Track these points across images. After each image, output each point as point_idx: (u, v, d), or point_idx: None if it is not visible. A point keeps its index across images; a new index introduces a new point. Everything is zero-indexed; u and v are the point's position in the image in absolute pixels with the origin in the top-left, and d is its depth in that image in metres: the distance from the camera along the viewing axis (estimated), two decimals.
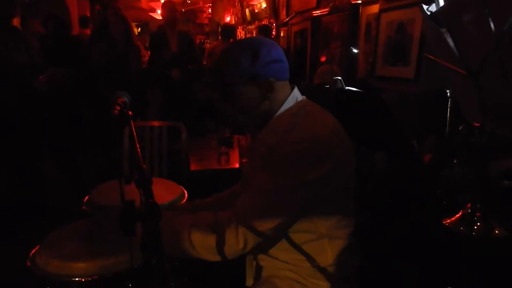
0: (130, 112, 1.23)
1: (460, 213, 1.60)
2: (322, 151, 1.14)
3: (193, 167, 2.48)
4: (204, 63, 5.39)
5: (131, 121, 1.18)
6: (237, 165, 2.50)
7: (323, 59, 4.63)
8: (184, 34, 4.38)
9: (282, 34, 6.01)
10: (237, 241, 1.09)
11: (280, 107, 1.26)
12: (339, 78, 1.67)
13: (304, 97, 1.33)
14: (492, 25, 0.90)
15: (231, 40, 5.41)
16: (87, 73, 3.76)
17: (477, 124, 1.22)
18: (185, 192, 1.92)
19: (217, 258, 1.12)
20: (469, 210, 1.55)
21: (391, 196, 1.78)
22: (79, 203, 1.73)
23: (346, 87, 1.66)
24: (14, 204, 2.96)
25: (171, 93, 3.81)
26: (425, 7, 1.14)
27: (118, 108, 1.20)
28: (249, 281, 1.44)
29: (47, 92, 3.33)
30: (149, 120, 3.09)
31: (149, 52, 5.37)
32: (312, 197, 1.15)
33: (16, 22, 5.76)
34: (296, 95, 1.29)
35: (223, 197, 1.57)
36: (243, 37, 7.81)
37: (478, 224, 1.55)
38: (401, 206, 1.74)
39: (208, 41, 8.93)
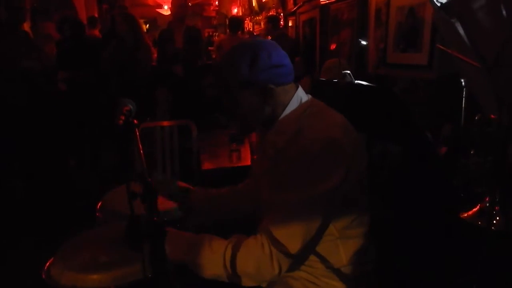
0: (135, 121, 1.22)
1: (478, 206, 1.55)
2: (336, 153, 1.11)
3: (204, 166, 2.48)
4: (214, 56, 5.37)
5: (136, 130, 1.16)
6: (249, 163, 2.49)
7: (333, 47, 4.54)
8: (191, 30, 4.36)
9: (290, 24, 5.93)
10: (272, 265, 1.08)
11: (284, 110, 1.23)
12: (348, 72, 1.62)
13: (309, 96, 1.29)
14: (505, 13, 0.85)
15: (239, 32, 5.37)
16: (101, 75, 3.79)
17: (493, 117, 1.17)
18: None
19: (254, 283, 1.12)
20: (487, 204, 1.50)
21: (406, 189, 1.74)
22: (94, 206, 1.75)
23: (356, 81, 1.62)
24: (30, 207, 3.02)
25: (178, 91, 3.81)
26: None
27: (123, 118, 1.18)
28: None
29: (64, 94, 3.38)
30: (159, 119, 3.10)
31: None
32: (336, 203, 1.14)
33: (26, 26, 5.84)
34: (300, 95, 1.26)
35: (238, 190, 1.56)
36: (251, 30, 7.74)
37: (497, 218, 1.50)
38: (417, 199, 1.70)
39: (217, 34, 8.88)
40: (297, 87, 1.27)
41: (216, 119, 3.44)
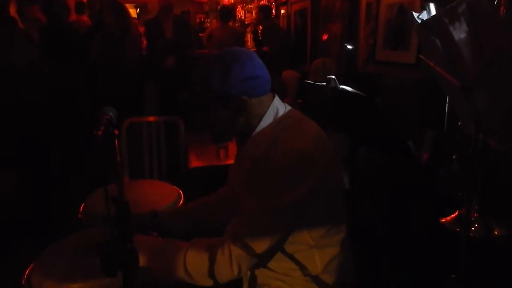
0: (116, 131, 1.20)
1: (457, 213, 1.58)
2: (304, 166, 1.12)
3: (191, 164, 2.47)
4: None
5: (116, 142, 1.15)
6: None
7: (324, 37, 4.51)
8: (180, 19, 4.28)
9: (282, 12, 5.86)
10: (231, 267, 1.10)
11: (259, 121, 1.23)
12: (333, 77, 1.62)
13: (285, 106, 1.29)
14: (482, 45, 0.85)
15: (230, 22, 5.30)
16: (88, 67, 3.73)
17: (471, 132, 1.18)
18: (181, 194, 1.92)
19: (211, 283, 1.13)
20: (465, 211, 1.53)
21: (388, 194, 1.76)
22: (79, 207, 1.74)
23: (341, 86, 1.62)
24: (19, 205, 3.00)
25: (167, 85, 3.76)
26: (415, 14, 1.09)
27: (103, 128, 1.17)
28: (245, 286, 1.46)
29: (49, 90, 3.32)
30: (148, 114, 3.07)
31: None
32: (300, 214, 1.15)
33: (12, 10, 5.69)
34: (277, 105, 1.25)
35: (209, 202, 1.57)
36: (242, 18, 7.64)
37: (476, 225, 1.54)
38: (398, 204, 1.73)
39: (208, 20, 8.75)
40: (274, 97, 1.26)
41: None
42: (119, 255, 0.74)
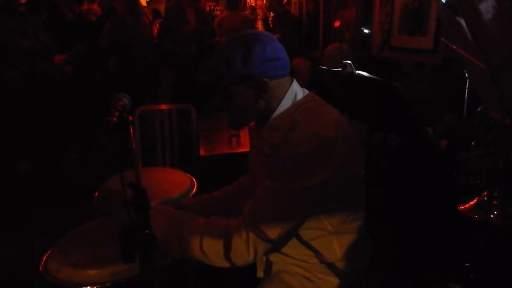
0: (130, 118, 1.19)
1: (475, 200, 1.54)
2: (325, 151, 1.10)
3: (203, 152, 2.46)
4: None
5: (131, 128, 1.14)
6: (248, 149, 2.47)
7: (337, 24, 4.44)
8: (200, 9, 4.27)
9: (294, 0, 5.77)
10: (248, 250, 1.09)
11: (278, 104, 1.21)
12: (349, 62, 1.58)
13: (304, 90, 1.26)
14: None
15: (240, 8, 5.23)
16: (99, 52, 3.73)
17: (496, 116, 1.14)
18: (195, 182, 1.91)
19: (228, 265, 1.12)
20: (485, 198, 1.49)
21: (405, 181, 1.73)
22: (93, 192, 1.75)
23: (357, 71, 1.58)
24: (34, 191, 3.04)
25: (184, 71, 3.75)
26: None
27: (117, 114, 1.15)
28: (260, 273, 1.46)
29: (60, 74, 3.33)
30: (161, 101, 3.06)
31: (157, 25, 5.25)
32: (319, 199, 1.13)
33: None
34: (295, 89, 1.23)
35: (232, 191, 1.56)
36: (253, 5, 7.54)
37: (495, 212, 1.50)
38: (415, 192, 1.70)
39: (218, 8, 8.67)
40: (292, 81, 1.25)
41: (217, 102, 3.38)
42: (138, 241, 0.73)
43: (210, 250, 1.11)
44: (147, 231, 0.75)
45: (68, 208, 2.71)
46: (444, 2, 1.01)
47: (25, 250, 2.01)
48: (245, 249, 1.09)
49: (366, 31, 2.87)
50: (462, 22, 1.01)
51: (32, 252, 1.40)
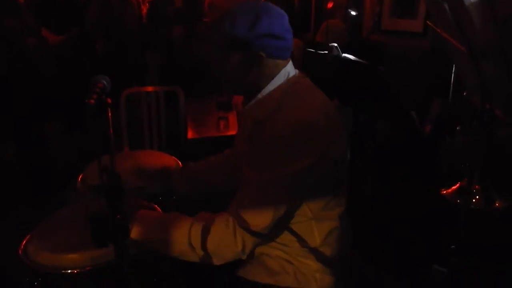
0: (109, 100, 1.16)
1: (458, 184, 1.56)
2: (308, 136, 1.09)
3: (190, 135, 2.44)
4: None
5: (109, 110, 1.11)
6: (235, 132, 2.45)
7: (330, 5, 4.38)
8: None
9: None
10: (235, 243, 1.08)
11: (268, 83, 1.19)
12: (335, 45, 1.56)
13: (296, 71, 1.24)
14: (494, 8, 0.79)
15: None
16: (85, 35, 3.65)
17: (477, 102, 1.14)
18: (180, 164, 1.90)
19: (217, 260, 1.12)
20: (467, 183, 1.50)
21: (389, 165, 1.74)
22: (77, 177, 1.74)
23: (343, 54, 1.56)
24: (18, 175, 3.00)
25: (170, 54, 3.68)
26: None
27: (95, 96, 1.13)
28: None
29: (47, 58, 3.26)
30: (148, 84, 3.02)
31: (147, 5, 5.13)
32: (305, 185, 1.12)
33: None
34: (289, 69, 1.21)
35: (219, 161, 1.57)
36: None
37: (477, 197, 1.52)
38: (399, 175, 1.70)
39: None
40: (288, 61, 1.22)
41: (205, 85, 3.35)
42: (109, 226, 0.73)
43: (198, 244, 1.09)
44: (118, 216, 0.74)
45: (52, 192, 2.69)
46: None
47: (3, 234, 1.99)
48: (232, 242, 1.08)
49: (353, 13, 2.83)
50: (446, 6, 1.00)
51: (14, 238, 1.38)
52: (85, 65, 3.86)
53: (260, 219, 1.08)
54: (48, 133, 3.41)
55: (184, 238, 1.10)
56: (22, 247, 1.22)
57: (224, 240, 1.09)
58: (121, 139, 2.55)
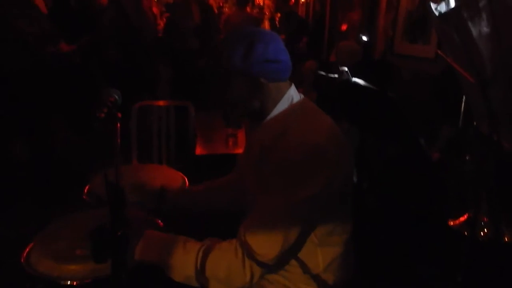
0: (119, 114, 1.18)
1: (466, 215, 1.53)
2: (317, 161, 1.08)
3: (198, 151, 2.44)
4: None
5: (118, 125, 1.13)
6: None
7: (344, 27, 4.42)
8: (206, 5, 4.25)
9: (302, 1, 5.75)
10: (244, 274, 1.07)
11: (274, 107, 1.19)
12: (346, 69, 1.57)
13: (301, 96, 1.25)
14: (501, 38, 0.80)
15: (248, 7, 5.22)
16: (97, 42, 3.72)
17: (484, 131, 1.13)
18: (186, 180, 1.90)
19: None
20: (475, 214, 1.48)
21: (396, 191, 1.72)
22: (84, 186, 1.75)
23: (353, 79, 1.57)
24: (28, 174, 3.03)
25: (183, 68, 3.74)
26: (433, 6, 1.03)
27: (106, 110, 1.15)
28: None
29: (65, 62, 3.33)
30: (160, 96, 3.06)
31: (164, 20, 5.25)
32: (315, 211, 1.11)
33: None
34: (292, 94, 1.21)
35: (216, 185, 1.54)
36: (261, 4, 7.52)
37: (485, 229, 1.49)
38: (406, 203, 1.68)
39: (227, 5, 8.65)
40: (290, 85, 1.23)
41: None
42: (109, 243, 0.73)
43: (205, 271, 1.08)
44: (119, 232, 0.74)
45: (61, 199, 2.71)
46: (437, 15, 1.00)
47: (8, 239, 1.99)
48: (241, 271, 1.06)
49: (364, 38, 2.85)
50: (455, 35, 1.00)
51: (18, 242, 1.39)
52: (94, 73, 3.94)
53: (268, 249, 1.07)
54: (57, 136, 3.46)
55: (191, 265, 1.09)
56: (24, 254, 1.23)
57: (232, 269, 1.07)
58: (130, 151, 2.57)
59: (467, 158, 1.68)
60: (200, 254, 1.10)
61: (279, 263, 1.14)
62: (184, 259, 1.10)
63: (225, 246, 1.11)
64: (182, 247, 1.12)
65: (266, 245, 1.07)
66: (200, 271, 1.08)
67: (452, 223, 1.53)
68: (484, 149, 1.59)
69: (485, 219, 1.47)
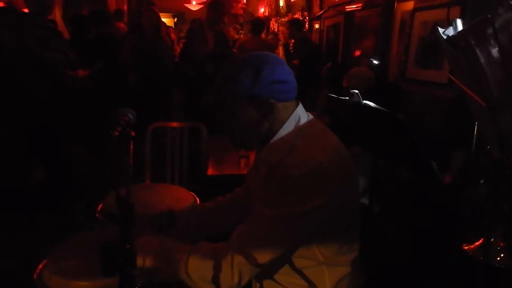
0: (132, 133, 1.21)
1: (481, 240, 1.49)
2: (318, 178, 1.09)
3: (210, 171, 2.47)
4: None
5: (131, 144, 1.16)
6: None
7: (357, 53, 4.47)
8: (221, 32, 4.36)
9: (316, 27, 5.86)
10: (232, 275, 1.08)
11: (281, 127, 1.21)
12: (356, 92, 1.59)
13: (308, 115, 1.27)
14: (509, 68, 0.81)
15: (263, 34, 5.35)
16: (117, 67, 3.86)
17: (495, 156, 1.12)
18: (197, 200, 1.92)
19: None
20: (491, 239, 1.44)
21: (408, 215, 1.69)
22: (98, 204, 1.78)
23: (364, 101, 1.58)
24: (44, 197, 3.10)
25: (195, 92, 3.83)
26: (441, 30, 1.05)
27: (120, 129, 1.18)
28: None
29: (80, 86, 3.45)
30: (174, 118, 3.12)
31: (181, 45, 5.41)
32: (310, 227, 1.12)
33: (58, 14, 5.96)
34: (299, 113, 1.23)
35: (225, 203, 1.55)
36: (276, 30, 7.70)
37: (502, 254, 1.45)
38: (418, 227, 1.66)
39: (242, 32, 8.87)
40: (297, 104, 1.25)
41: None
42: (118, 256, 0.74)
43: (195, 273, 1.10)
44: (128, 246, 0.75)
45: (74, 218, 2.74)
46: (445, 38, 1.02)
47: (21, 256, 2.02)
48: (229, 272, 1.07)
49: (375, 62, 2.88)
50: (463, 60, 1.02)
51: (32, 261, 1.42)
52: (109, 96, 4.05)
53: (262, 252, 1.08)
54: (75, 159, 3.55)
55: (182, 268, 1.10)
56: (38, 271, 1.26)
57: (222, 273, 1.08)
58: (144, 171, 2.61)
59: (481, 181, 1.65)
60: (191, 255, 1.11)
61: (268, 269, 1.15)
62: (174, 263, 1.11)
63: (215, 248, 1.13)
64: (172, 250, 1.14)
65: (257, 249, 1.08)
66: (190, 273, 1.09)
67: (466, 248, 1.49)
68: (498, 173, 1.57)
69: (501, 244, 1.44)
